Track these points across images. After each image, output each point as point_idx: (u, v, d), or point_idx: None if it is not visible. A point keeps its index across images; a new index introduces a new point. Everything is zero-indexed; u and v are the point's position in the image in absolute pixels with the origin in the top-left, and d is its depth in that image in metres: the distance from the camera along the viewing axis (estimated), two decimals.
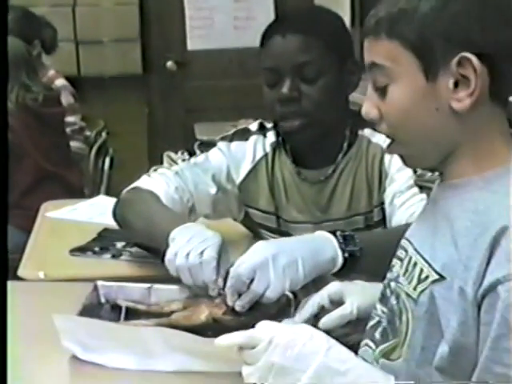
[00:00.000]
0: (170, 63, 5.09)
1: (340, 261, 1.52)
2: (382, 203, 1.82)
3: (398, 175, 1.76)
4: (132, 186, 1.88)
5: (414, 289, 1.15)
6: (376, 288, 1.31)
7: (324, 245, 1.53)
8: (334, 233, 1.55)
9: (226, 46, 5.04)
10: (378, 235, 1.75)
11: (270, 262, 1.44)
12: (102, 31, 4.94)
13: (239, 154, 1.92)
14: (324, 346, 1.10)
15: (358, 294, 1.37)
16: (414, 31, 1.11)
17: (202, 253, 1.49)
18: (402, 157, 1.21)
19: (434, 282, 1.11)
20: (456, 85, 1.10)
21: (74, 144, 3.72)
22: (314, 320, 1.37)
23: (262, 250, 1.48)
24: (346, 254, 1.53)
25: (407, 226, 1.28)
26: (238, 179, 1.93)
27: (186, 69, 5.11)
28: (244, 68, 4.98)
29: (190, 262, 1.49)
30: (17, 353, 1.34)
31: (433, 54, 1.11)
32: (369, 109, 1.18)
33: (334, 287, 1.40)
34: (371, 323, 1.27)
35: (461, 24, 1.10)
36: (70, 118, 3.76)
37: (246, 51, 4.92)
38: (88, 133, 3.95)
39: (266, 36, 1.81)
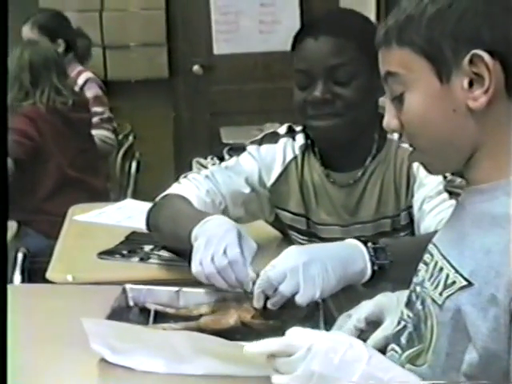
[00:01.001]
0: (196, 67, 5.10)
1: (369, 273, 1.52)
2: (410, 207, 1.81)
3: (428, 180, 1.75)
4: (163, 194, 1.87)
5: (440, 294, 1.13)
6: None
7: (355, 256, 1.52)
8: (365, 243, 1.54)
9: (251, 50, 5.04)
10: (407, 245, 1.72)
11: (301, 269, 1.45)
12: (129, 36, 4.96)
13: (269, 158, 1.92)
14: (365, 355, 1.07)
15: (394, 310, 1.35)
16: (422, 36, 1.11)
17: (225, 252, 1.49)
18: (423, 165, 1.20)
19: (462, 288, 1.10)
20: (471, 84, 1.09)
21: (102, 133, 3.73)
22: None
23: (295, 255, 1.48)
24: (376, 267, 1.53)
25: (435, 233, 1.27)
26: (269, 182, 1.92)
27: (212, 73, 5.12)
28: (269, 72, 4.99)
29: (219, 266, 1.48)
30: (18, 357, 1.33)
31: (444, 56, 1.10)
32: (389, 120, 1.18)
33: (368, 309, 1.38)
34: (397, 328, 1.26)
35: (468, 22, 1.09)
36: (97, 108, 3.77)
37: (272, 55, 4.93)
38: (115, 124, 3.95)
39: (299, 38, 1.80)
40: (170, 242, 1.86)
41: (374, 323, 1.36)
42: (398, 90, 1.15)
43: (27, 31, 3.72)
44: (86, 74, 3.93)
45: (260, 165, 1.91)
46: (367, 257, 1.53)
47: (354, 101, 1.76)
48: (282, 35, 4.93)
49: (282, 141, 1.93)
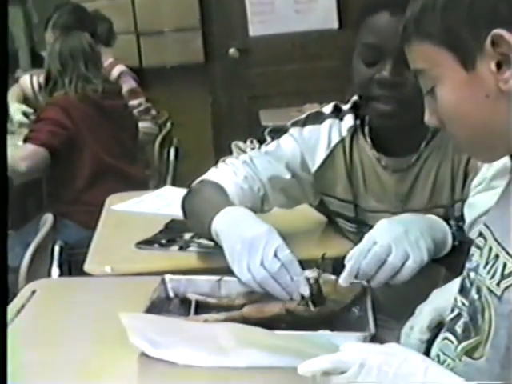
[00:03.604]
0: (232, 50, 5.05)
1: (449, 245, 1.53)
2: (464, 200, 1.70)
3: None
4: (199, 179, 1.82)
5: (498, 284, 1.06)
6: None
7: (439, 226, 1.56)
8: (446, 220, 1.57)
9: (287, 31, 4.97)
10: None
11: (404, 237, 1.47)
12: (163, 21, 4.94)
13: (313, 140, 1.83)
14: (421, 366, 1.02)
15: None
16: (438, 25, 1.07)
17: (275, 255, 1.41)
18: (472, 155, 1.18)
19: None
20: (499, 66, 1.04)
21: (142, 124, 3.75)
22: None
23: (391, 227, 1.50)
24: (456, 242, 1.53)
25: None
26: (314, 167, 1.83)
27: (249, 55, 5.07)
28: (307, 52, 4.93)
29: (271, 270, 1.40)
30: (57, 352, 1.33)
31: (464, 43, 1.06)
32: (429, 117, 1.16)
33: (428, 316, 1.34)
34: (451, 316, 1.20)
35: (483, 0, 1.04)
36: (134, 101, 3.80)
37: (309, 35, 4.87)
38: (154, 112, 3.96)
39: (371, 10, 1.69)
40: (198, 231, 1.81)
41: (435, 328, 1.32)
42: (429, 85, 1.13)
43: (50, 36, 3.68)
44: (120, 67, 3.96)
45: (303, 148, 1.82)
46: (449, 230, 1.54)
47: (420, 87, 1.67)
48: (318, 14, 4.88)
49: (328, 122, 1.83)
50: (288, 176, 1.82)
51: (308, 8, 4.95)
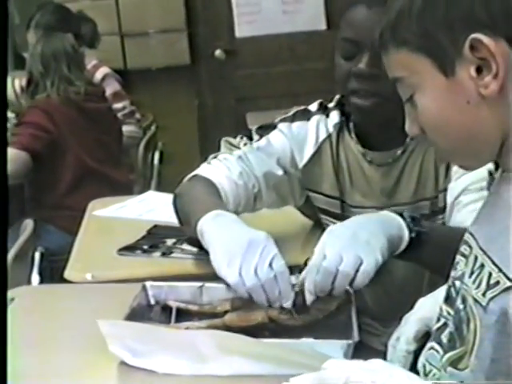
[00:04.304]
0: (218, 52, 5.02)
1: (406, 238, 1.47)
2: (447, 189, 1.71)
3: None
4: (192, 174, 1.79)
5: (483, 295, 1.04)
6: None
7: (391, 221, 1.49)
8: (400, 214, 1.51)
9: (275, 32, 4.95)
10: (442, 227, 1.68)
11: (353, 240, 1.41)
12: (147, 22, 4.90)
13: (301, 136, 1.83)
14: (406, 383, 0.98)
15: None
16: (415, 31, 1.05)
17: (270, 265, 1.38)
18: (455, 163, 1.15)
19: (507, 289, 1.00)
20: (480, 70, 1.02)
21: (126, 128, 3.73)
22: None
23: (338, 233, 1.44)
24: (413, 234, 1.48)
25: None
26: (301, 162, 1.83)
27: (235, 57, 5.04)
28: (295, 53, 4.91)
29: (263, 279, 1.37)
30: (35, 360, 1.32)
31: (442, 48, 1.04)
32: (409, 126, 1.13)
33: (413, 327, 1.31)
34: (437, 325, 1.19)
35: (459, 4, 1.02)
36: (118, 104, 3.78)
37: (297, 36, 4.85)
38: (138, 115, 3.93)
39: (349, 4, 1.70)
40: (185, 229, 1.76)
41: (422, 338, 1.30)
42: (408, 93, 1.10)
43: (32, 37, 3.64)
44: (104, 70, 3.94)
45: (292, 143, 1.83)
46: (403, 223, 1.49)
47: None
48: (306, 15, 4.86)
49: (315, 118, 1.84)
50: (280, 172, 1.82)
51: (296, 9, 4.92)
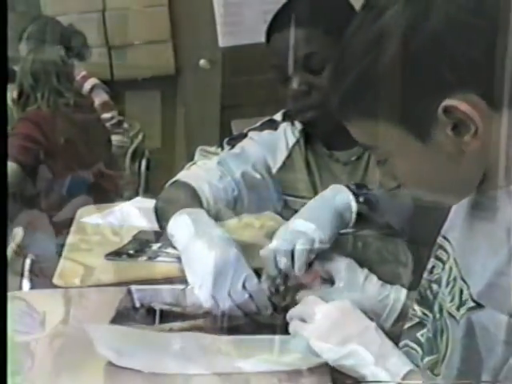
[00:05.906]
0: (202, 61, 5.06)
1: (354, 205, 1.49)
2: None
3: None
4: (173, 179, 1.83)
5: (457, 309, 1.04)
6: None
7: (335, 192, 1.52)
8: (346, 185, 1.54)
9: (258, 41, 4.97)
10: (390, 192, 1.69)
11: (301, 221, 1.46)
12: (133, 34, 4.93)
13: (272, 142, 1.90)
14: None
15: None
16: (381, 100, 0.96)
17: (244, 285, 1.40)
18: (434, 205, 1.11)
19: (472, 309, 1.00)
20: (456, 127, 0.96)
21: (115, 138, 3.76)
22: None
23: (282, 229, 1.48)
24: (361, 199, 1.50)
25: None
26: (275, 167, 1.89)
27: (219, 66, 5.08)
28: None
29: (238, 301, 1.40)
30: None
31: (413, 115, 0.96)
32: (385, 181, 1.10)
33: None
34: (410, 324, 1.20)
35: (427, 71, 0.94)
36: (106, 115, 3.80)
37: None
38: (126, 125, 3.96)
39: (268, 34, 1.78)
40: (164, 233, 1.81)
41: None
42: (381, 157, 1.05)
43: (24, 49, 3.68)
44: (92, 81, 3.95)
45: (264, 149, 1.89)
46: (346, 189, 1.52)
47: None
48: None
49: (282, 126, 1.91)
50: (258, 175, 1.87)
51: None
